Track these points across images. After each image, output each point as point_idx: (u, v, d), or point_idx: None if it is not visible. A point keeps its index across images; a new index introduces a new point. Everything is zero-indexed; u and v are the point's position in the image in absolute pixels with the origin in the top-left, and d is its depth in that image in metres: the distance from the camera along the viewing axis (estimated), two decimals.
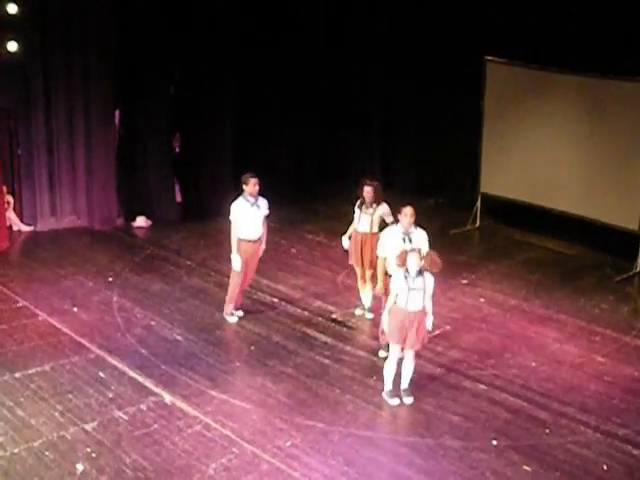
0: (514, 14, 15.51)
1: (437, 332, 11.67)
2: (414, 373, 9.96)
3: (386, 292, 10.22)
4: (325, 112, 18.79)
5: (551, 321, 12.40)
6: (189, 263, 14.36)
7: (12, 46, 14.68)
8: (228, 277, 12.92)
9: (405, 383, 9.93)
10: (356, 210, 12.06)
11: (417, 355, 11.01)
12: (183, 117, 16.94)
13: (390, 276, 9.98)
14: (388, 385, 9.94)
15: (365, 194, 12.00)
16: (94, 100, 15.44)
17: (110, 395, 9.83)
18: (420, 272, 9.43)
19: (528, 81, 15.59)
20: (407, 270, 9.41)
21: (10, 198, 15.43)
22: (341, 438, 9.12)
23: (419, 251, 9.48)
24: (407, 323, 9.55)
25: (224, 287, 12.60)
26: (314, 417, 9.52)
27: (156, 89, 16.15)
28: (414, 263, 9.36)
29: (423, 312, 9.61)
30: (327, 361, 10.94)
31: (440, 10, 16.91)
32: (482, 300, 13.13)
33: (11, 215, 15.43)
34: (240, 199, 11.82)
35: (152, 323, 11.92)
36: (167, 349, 11.13)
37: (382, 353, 10.92)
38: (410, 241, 10.21)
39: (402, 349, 9.78)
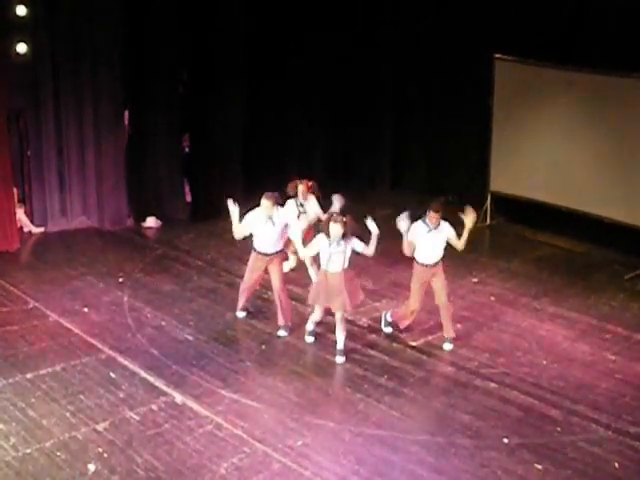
0: (523, 12, 15.47)
1: None
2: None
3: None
4: (334, 111, 18.77)
5: (562, 319, 12.38)
6: (199, 263, 14.38)
7: (21, 48, 14.70)
8: (238, 277, 12.96)
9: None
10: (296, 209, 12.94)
11: (428, 353, 11.07)
12: (192, 117, 16.95)
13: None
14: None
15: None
16: (103, 101, 15.47)
17: (121, 395, 9.85)
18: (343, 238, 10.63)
19: (537, 79, 15.56)
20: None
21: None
22: (352, 437, 9.13)
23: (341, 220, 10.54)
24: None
25: (235, 287, 12.61)
26: (325, 416, 9.53)
27: (165, 89, 16.15)
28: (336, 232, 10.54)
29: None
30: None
31: (449, 8, 16.88)
32: (492, 298, 13.12)
33: (22, 216, 15.45)
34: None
35: (163, 323, 11.93)
36: (178, 349, 11.14)
37: (282, 332, 11.72)
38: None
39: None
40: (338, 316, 10.96)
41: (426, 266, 11.20)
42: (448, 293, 11.41)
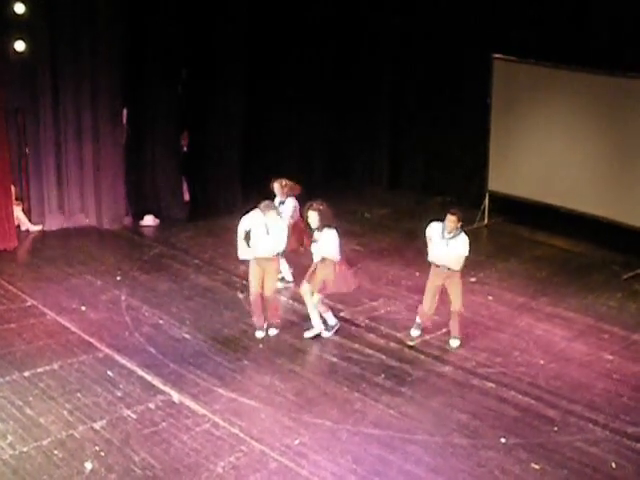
0: (522, 11, 15.47)
1: (445, 330, 11.65)
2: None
3: None
4: (333, 111, 18.77)
5: (559, 319, 12.38)
6: (197, 262, 14.36)
7: (20, 46, 14.68)
8: (235, 275, 12.97)
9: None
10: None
11: (426, 353, 11.08)
12: (191, 116, 16.95)
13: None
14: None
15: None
16: (102, 99, 15.45)
17: (119, 394, 9.85)
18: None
19: (536, 78, 15.55)
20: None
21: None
22: (349, 436, 9.13)
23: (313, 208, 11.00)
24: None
25: (232, 285, 12.63)
26: (322, 415, 9.53)
27: (164, 88, 16.11)
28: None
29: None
30: (335, 359, 10.95)
31: (447, 7, 16.87)
32: (490, 298, 13.11)
33: (19, 214, 15.44)
34: None
35: (160, 322, 11.93)
36: (175, 348, 11.14)
37: (259, 333, 11.55)
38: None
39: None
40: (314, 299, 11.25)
41: (437, 266, 11.14)
42: (463, 300, 11.29)
